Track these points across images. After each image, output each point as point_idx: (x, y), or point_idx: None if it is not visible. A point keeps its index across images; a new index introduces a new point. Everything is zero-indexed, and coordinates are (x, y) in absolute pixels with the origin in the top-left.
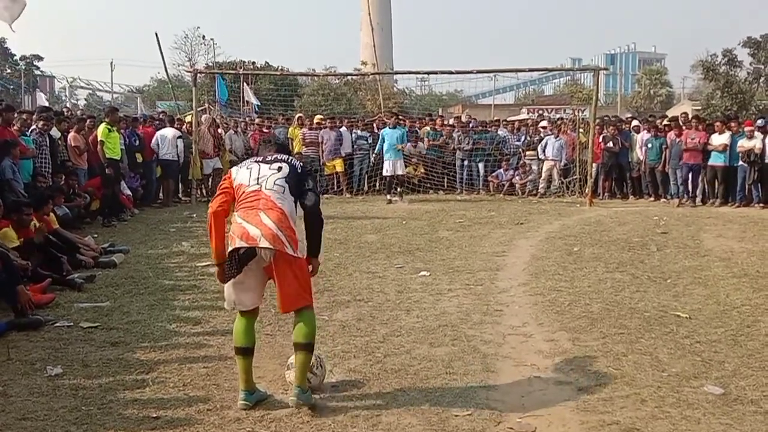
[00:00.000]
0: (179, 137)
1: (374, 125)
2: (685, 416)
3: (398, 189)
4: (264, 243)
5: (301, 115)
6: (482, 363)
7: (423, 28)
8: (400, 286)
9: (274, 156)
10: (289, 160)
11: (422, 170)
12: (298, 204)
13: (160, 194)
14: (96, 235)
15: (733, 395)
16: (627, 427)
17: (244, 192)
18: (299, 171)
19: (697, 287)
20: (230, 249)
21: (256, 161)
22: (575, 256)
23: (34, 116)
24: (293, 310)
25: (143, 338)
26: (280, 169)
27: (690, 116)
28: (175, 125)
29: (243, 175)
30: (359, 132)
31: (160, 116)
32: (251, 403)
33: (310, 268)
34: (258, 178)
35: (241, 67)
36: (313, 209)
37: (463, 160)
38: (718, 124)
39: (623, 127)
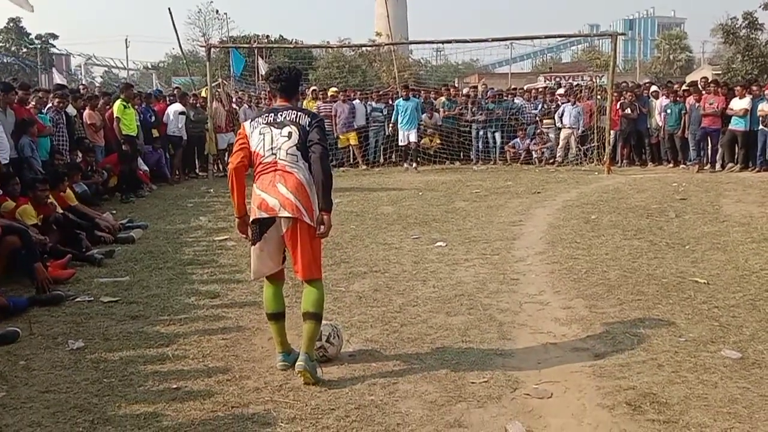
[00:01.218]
0: (180, 113)
1: (389, 97)
2: (702, 380)
3: (410, 157)
4: (283, 212)
5: (314, 87)
6: (498, 331)
7: None
8: (416, 257)
9: (284, 115)
10: (298, 120)
11: (438, 141)
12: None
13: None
14: (114, 212)
15: (750, 359)
16: (643, 392)
17: (260, 162)
18: (307, 129)
19: (716, 253)
20: (251, 219)
21: (267, 122)
22: (593, 224)
23: (50, 94)
24: (308, 279)
25: (162, 311)
26: (290, 135)
27: (709, 81)
28: (185, 101)
29: (256, 140)
30: (374, 104)
31: (174, 92)
32: (290, 364)
33: (322, 227)
34: (272, 148)
35: (254, 41)
36: (317, 160)
37: (478, 130)
38: (738, 88)
39: (641, 93)
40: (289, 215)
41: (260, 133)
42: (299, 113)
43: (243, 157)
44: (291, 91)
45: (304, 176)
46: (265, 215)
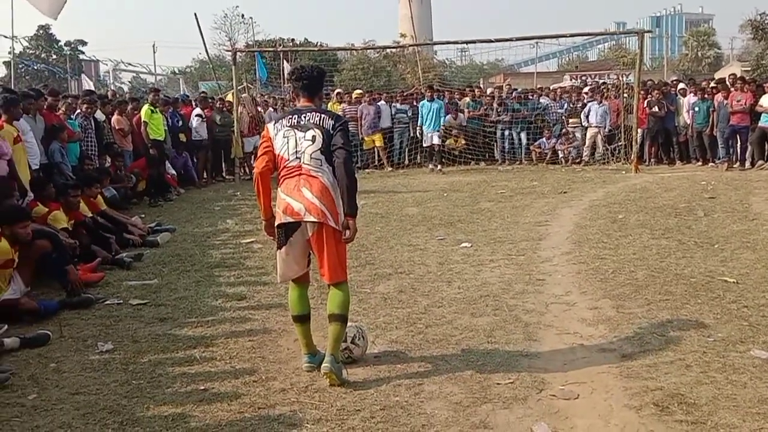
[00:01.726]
0: (197, 115)
1: (414, 98)
2: (731, 381)
3: (435, 158)
4: (308, 217)
5: (339, 90)
6: (524, 332)
7: None
8: (441, 258)
9: (307, 117)
10: (321, 122)
11: (463, 141)
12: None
13: (204, 174)
14: (143, 215)
15: None
16: (671, 392)
17: (285, 166)
18: (330, 132)
19: (745, 252)
20: (277, 224)
21: (291, 125)
22: (620, 224)
23: (79, 100)
24: (335, 282)
25: (190, 314)
26: (314, 139)
27: (737, 77)
28: (204, 104)
29: (280, 143)
30: (398, 105)
31: (200, 96)
32: (315, 365)
33: (347, 232)
34: (297, 152)
35: (280, 45)
36: (341, 165)
37: (503, 131)
38: (767, 84)
39: (669, 90)
40: (315, 220)
41: (284, 137)
42: (323, 115)
43: (268, 161)
44: (314, 90)
45: (329, 180)
46: (290, 220)
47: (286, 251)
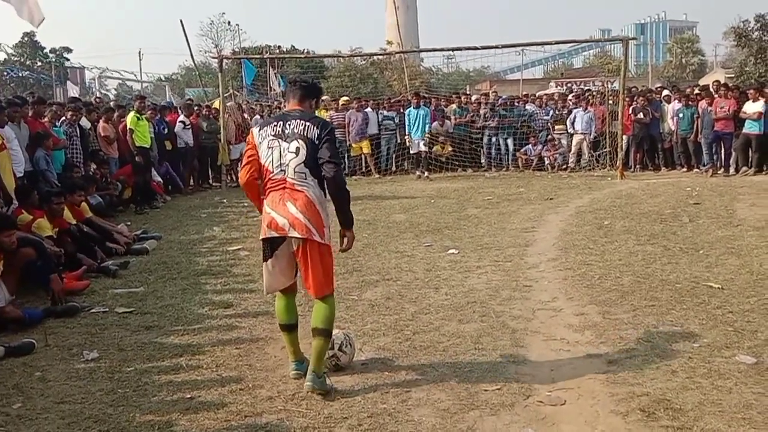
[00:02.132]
0: (180, 122)
1: (401, 105)
2: (717, 386)
3: (422, 165)
4: (293, 233)
5: (326, 97)
6: (511, 338)
7: (448, 5)
8: (428, 265)
9: (292, 126)
10: (306, 132)
11: (450, 148)
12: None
13: (190, 181)
14: (129, 223)
15: (765, 364)
16: (657, 398)
17: (270, 178)
18: (315, 143)
19: (730, 257)
20: (261, 237)
21: (275, 134)
22: (606, 230)
23: (64, 107)
24: (320, 296)
25: (176, 322)
26: (297, 151)
27: (721, 84)
28: (189, 111)
29: (265, 153)
30: (385, 112)
31: (186, 102)
32: (303, 373)
33: (345, 240)
34: (281, 164)
35: (266, 52)
36: (331, 182)
37: (490, 137)
38: (751, 91)
39: (653, 97)
40: (299, 236)
41: (269, 147)
42: (308, 123)
43: (253, 170)
44: (306, 95)
45: (314, 194)
46: (275, 235)
47: (272, 263)
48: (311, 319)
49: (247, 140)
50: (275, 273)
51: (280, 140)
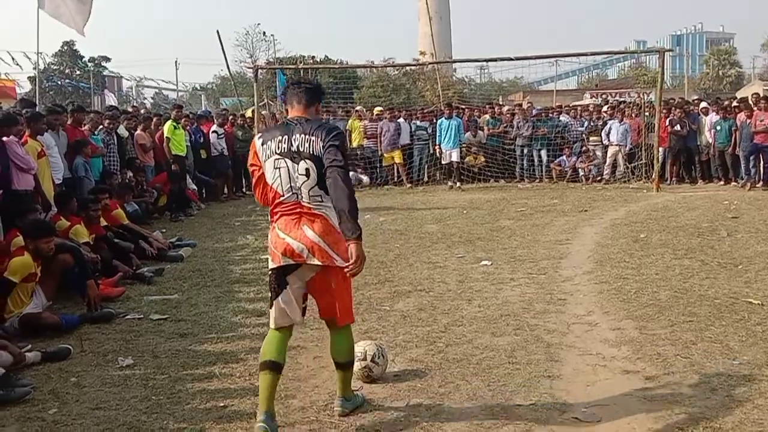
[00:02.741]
0: (213, 132)
1: (434, 115)
2: (757, 405)
3: (454, 176)
4: (312, 260)
5: (359, 108)
6: (546, 352)
7: (482, 15)
8: (461, 276)
9: (298, 142)
10: (312, 149)
11: (483, 159)
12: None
13: (225, 189)
14: (164, 230)
15: None
16: (696, 416)
17: (281, 202)
18: (321, 158)
19: None
20: (274, 266)
21: (281, 152)
22: (642, 243)
23: (101, 116)
24: (340, 324)
25: (210, 329)
26: (308, 173)
27: (761, 97)
28: (223, 121)
29: (271, 174)
30: (418, 122)
31: (221, 112)
32: (269, 429)
33: (353, 255)
34: (292, 188)
35: (301, 62)
36: (333, 186)
37: (523, 148)
38: None
39: (691, 109)
40: (319, 263)
41: (275, 167)
42: (312, 138)
43: (267, 189)
44: (311, 100)
45: (334, 216)
46: (291, 262)
47: (286, 297)
48: (332, 351)
49: (250, 151)
50: (290, 307)
51: (287, 160)
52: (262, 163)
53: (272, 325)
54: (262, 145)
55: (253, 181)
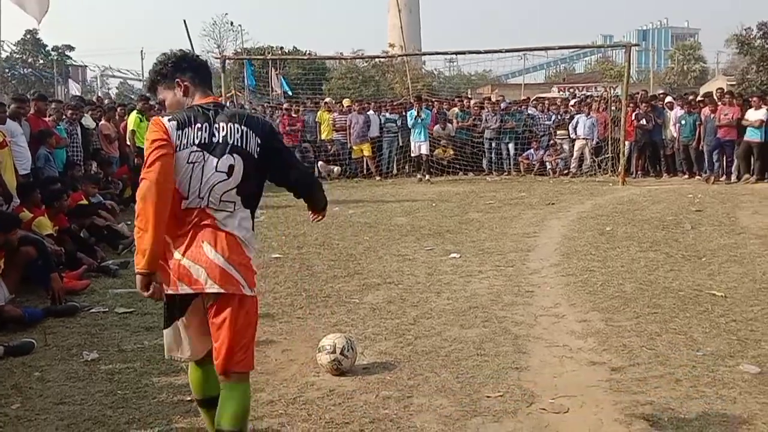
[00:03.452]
0: None
1: (403, 108)
2: (721, 396)
3: (423, 168)
4: (212, 288)
5: (328, 100)
6: (514, 344)
7: (451, 8)
8: (430, 269)
9: (225, 131)
10: (245, 142)
11: (451, 152)
12: (255, 212)
13: None
14: (129, 223)
15: None
16: (661, 407)
17: (183, 208)
18: (256, 158)
19: (733, 265)
20: (169, 292)
21: (201, 143)
22: (608, 236)
23: (64, 105)
24: (235, 371)
25: None
26: (230, 170)
27: (725, 92)
28: None
29: (182, 168)
30: (387, 115)
31: None
32: None
33: (320, 216)
34: (200, 190)
35: (269, 53)
36: (310, 192)
37: (491, 141)
38: (755, 99)
39: (656, 103)
40: (219, 291)
41: (189, 162)
42: (245, 129)
43: (169, 165)
44: (210, 82)
45: (244, 227)
46: (188, 290)
47: (185, 323)
48: (217, 414)
49: (152, 132)
50: (192, 336)
51: (205, 153)
52: (174, 147)
53: (166, 354)
54: (177, 130)
55: (152, 157)
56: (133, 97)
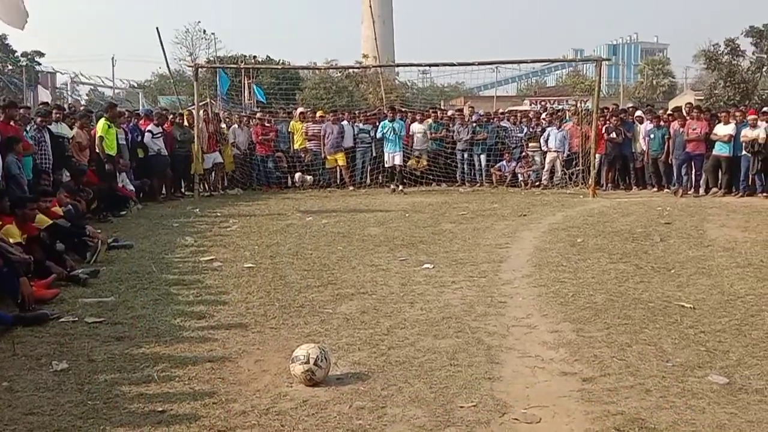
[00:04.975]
0: (148, 131)
1: (377, 118)
2: (690, 406)
3: (396, 179)
4: None
5: (302, 110)
6: (486, 354)
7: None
8: (403, 279)
9: None
10: None
11: (425, 163)
12: None
13: (162, 189)
14: (99, 231)
15: (737, 384)
16: (631, 417)
17: None
18: None
19: (701, 277)
20: None
21: None
22: (579, 248)
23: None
24: None
25: (148, 333)
26: None
27: (693, 106)
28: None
29: None
30: (361, 125)
31: (159, 111)
32: None
33: None
34: None
35: (242, 62)
36: None
37: (463, 152)
38: (723, 114)
39: (626, 117)
40: None
41: None
42: None
43: None
44: None
45: None
46: None
47: None
48: None
49: None
50: None
51: None
52: None
53: None
54: None
55: None
56: (103, 103)
